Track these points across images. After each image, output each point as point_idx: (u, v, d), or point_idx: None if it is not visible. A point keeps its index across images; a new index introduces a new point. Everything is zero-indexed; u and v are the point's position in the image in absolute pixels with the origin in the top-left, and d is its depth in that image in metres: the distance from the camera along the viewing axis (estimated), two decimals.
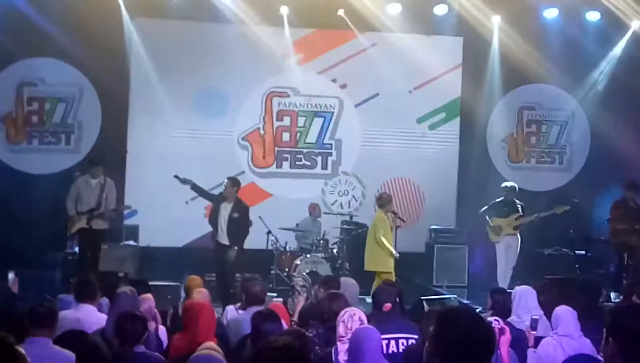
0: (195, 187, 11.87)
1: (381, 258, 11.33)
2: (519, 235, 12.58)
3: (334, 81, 14.96)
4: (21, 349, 3.13)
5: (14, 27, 13.35)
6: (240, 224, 11.43)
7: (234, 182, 11.67)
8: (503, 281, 12.22)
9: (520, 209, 12.54)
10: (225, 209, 11.48)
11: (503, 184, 12.85)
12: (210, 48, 14.42)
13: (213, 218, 11.62)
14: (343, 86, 14.99)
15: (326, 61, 14.91)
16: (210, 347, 5.23)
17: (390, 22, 14.52)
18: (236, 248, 11.40)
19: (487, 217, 12.61)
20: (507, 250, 12.53)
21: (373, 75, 14.83)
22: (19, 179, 13.68)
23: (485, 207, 12.70)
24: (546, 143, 15.73)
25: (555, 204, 12.59)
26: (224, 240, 11.45)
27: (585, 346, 6.30)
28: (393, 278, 11.06)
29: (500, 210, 12.57)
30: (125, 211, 13.09)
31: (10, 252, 11.52)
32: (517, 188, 12.82)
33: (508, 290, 8.47)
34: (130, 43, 14.19)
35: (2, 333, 3.18)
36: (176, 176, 11.82)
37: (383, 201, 11.62)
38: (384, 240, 11.28)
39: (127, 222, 13.79)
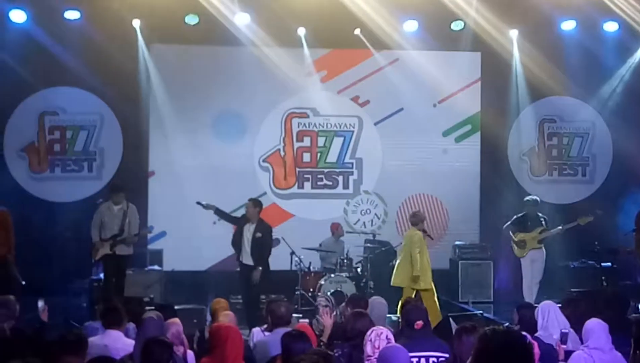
0: (218, 211, 11.96)
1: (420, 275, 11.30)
2: (543, 248, 12.52)
3: (357, 97, 14.97)
4: None
5: (33, 58, 13.51)
6: (263, 244, 11.53)
7: (255, 203, 11.79)
8: (529, 296, 12.16)
9: (543, 222, 12.49)
10: (249, 230, 11.59)
11: (525, 199, 12.82)
12: (228, 71, 14.49)
13: (236, 240, 11.72)
14: (365, 103, 14.99)
15: (345, 80, 14.94)
16: None
17: (407, 40, 14.55)
18: (260, 268, 11.42)
19: (510, 232, 12.56)
20: (532, 264, 12.46)
21: (395, 91, 14.84)
22: (43, 207, 13.79)
23: (509, 222, 12.66)
24: (568, 155, 15.64)
25: (579, 216, 12.51)
26: (248, 260, 11.55)
27: (617, 359, 6.24)
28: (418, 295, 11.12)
29: (524, 224, 12.52)
30: (150, 235, 13.14)
31: (36, 280, 11.53)
32: (539, 202, 12.79)
33: (535, 305, 8.40)
34: (148, 69, 14.30)
35: (30, 359, 3.19)
36: (199, 203, 11.90)
37: (417, 219, 11.64)
38: (418, 258, 11.30)
39: (151, 247, 13.84)
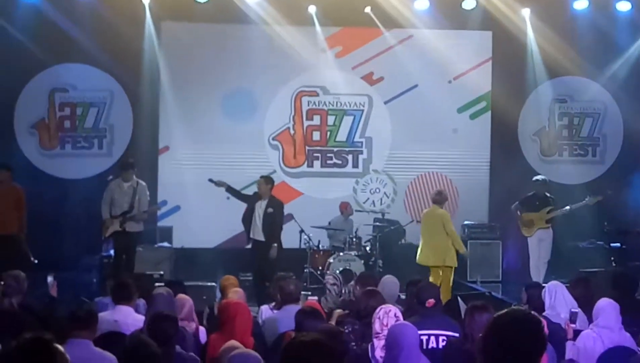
0: (230, 189, 11.98)
1: (449, 252, 11.32)
2: (551, 228, 12.49)
3: (371, 73, 14.89)
4: (60, 347, 3.16)
5: (44, 35, 13.50)
6: (275, 220, 11.56)
7: (267, 180, 11.82)
8: (537, 275, 12.16)
9: (551, 202, 12.46)
10: (260, 206, 11.61)
11: (534, 178, 12.80)
12: (238, 50, 14.47)
13: (247, 217, 11.73)
14: (380, 79, 14.91)
15: (359, 57, 14.85)
16: (236, 344, 5.23)
17: (418, 18, 14.48)
18: (275, 245, 11.47)
19: (518, 212, 12.55)
20: (539, 244, 12.43)
21: (408, 68, 14.74)
22: (53, 184, 13.82)
23: (517, 202, 12.64)
24: (579, 135, 15.58)
25: (588, 196, 12.48)
26: (259, 236, 11.56)
27: (625, 339, 6.25)
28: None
29: (532, 204, 12.48)
30: (164, 210, 13.17)
31: (47, 256, 11.63)
32: (548, 181, 12.76)
33: (543, 285, 8.41)
34: (159, 47, 14.28)
35: (39, 332, 3.21)
36: (210, 180, 11.93)
37: (442, 198, 11.60)
38: (454, 233, 11.46)
39: (160, 224, 13.88)
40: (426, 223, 11.58)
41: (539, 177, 12.83)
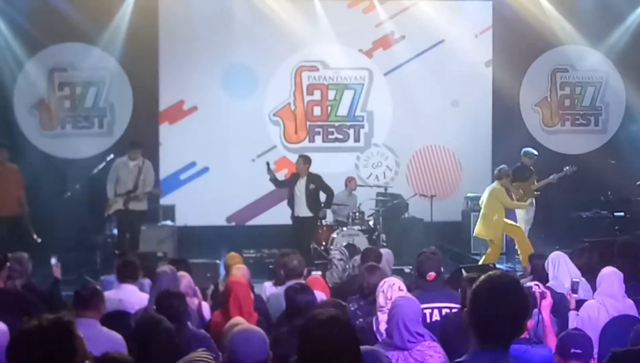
0: (274, 179, 12.37)
1: (498, 226, 11.55)
2: (532, 199, 12.70)
3: (392, 33, 14.81)
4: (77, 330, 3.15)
5: (42, 14, 13.43)
6: (318, 194, 12.29)
7: (305, 159, 12.38)
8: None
9: (534, 173, 12.64)
10: (300, 184, 12.18)
11: (526, 150, 12.85)
12: (237, 25, 14.39)
13: (290, 198, 12.33)
14: (402, 38, 14.82)
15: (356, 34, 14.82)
16: (240, 321, 5.24)
17: None
18: (328, 210, 12.46)
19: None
20: (527, 211, 12.64)
21: (433, 24, 14.72)
22: (54, 164, 13.80)
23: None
24: (581, 105, 15.54)
25: (567, 166, 12.55)
26: (305, 213, 12.17)
27: (629, 307, 6.25)
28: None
29: (522, 175, 12.64)
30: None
31: (49, 237, 11.66)
32: (536, 154, 12.86)
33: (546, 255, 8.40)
34: (157, 24, 14.21)
35: (59, 315, 3.20)
36: (267, 163, 12.37)
37: (503, 174, 11.73)
38: (514, 202, 11.82)
39: (163, 202, 13.87)
40: (488, 198, 11.70)
41: (530, 149, 12.92)
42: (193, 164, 14.40)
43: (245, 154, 14.29)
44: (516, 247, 11.92)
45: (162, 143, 14.35)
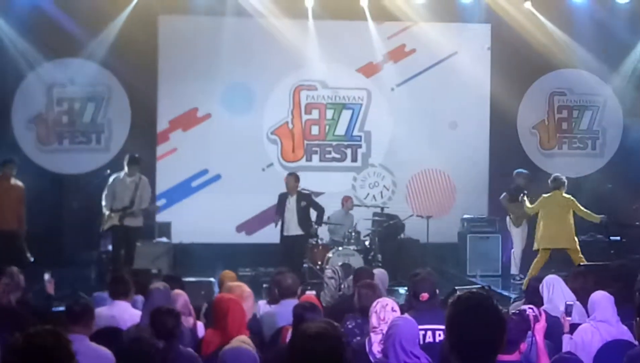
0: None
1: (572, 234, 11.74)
2: (525, 221, 12.84)
3: (404, 45, 14.90)
4: (69, 341, 3.14)
5: (42, 29, 13.50)
6: (309, 212, 12.32)
7: (296, 177, 12.49)
8: (515, 267, 12.86)
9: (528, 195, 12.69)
10: (290, 203, 12.20)
11: (519, 171, 12.91)
12: (236, 43, 14.41)
13: (280, 217, 12.30)
14: (412, 51, 14.89)
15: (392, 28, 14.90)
16: (242, 340, 5.23)
17: (416, 11, 14.46)
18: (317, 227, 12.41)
19: (507, 203, 12.96)
20: (522, 234, 12.88)
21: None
22: (51, 179, 13.80)
23: (504, 193, 13.01)
24: (578, 128, 15.57)
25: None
26: (295, 231, 12.18)
27: (623, 332, 6.22)
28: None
29: (515, 196, 12.71)
30: (155, 212, 13.12)
31: (44, 252, 11.63)
32: (529, 174, 13.02)
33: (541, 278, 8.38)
34: (156, 41, 14.25)
35: (49, 327, 3.20)
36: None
37: (559, 183, 11.77)
38: (587, 211, 11.80)
39: (159, 219, 13.85)
40: (553, 207, 11.72)
41: (523, 171, 13.04)
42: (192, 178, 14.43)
43: (243, 172, 14.32)
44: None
45: (178, 148, 14.44)
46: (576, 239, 11.75)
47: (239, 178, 14.41)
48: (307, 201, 12.34)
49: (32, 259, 11.39)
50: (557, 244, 11.76)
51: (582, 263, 10.92)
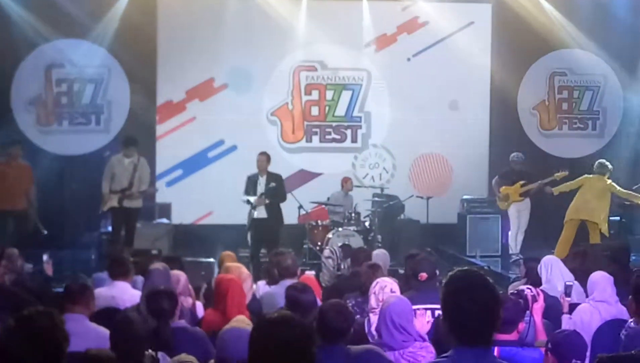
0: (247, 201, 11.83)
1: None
2: (528, 200, 12.75)
3: (390, 33, 14.81)
4: (61, 320, 3.14)
5: (40, 9, 13.43)
6: (279, 191, 11.63)
7: (268, 156, 11.82)
8: (514, 246, 12.78)
9: (525, 177, 12.76)
10: (260, 184, 11.62)
11: (514, 155, 12.90)
12: (236, 24, 14.34)
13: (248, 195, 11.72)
14: (425, 23, 14.81)
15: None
16: (241, 320, 5.24)
17: None
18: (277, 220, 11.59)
19: (497, 186, 12.97)
20: (519, 215, 12.85)
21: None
22: (51, 161, 13.77)
23: (497, 176, 13.03)
24: (578, 109, 15.52)
25: (556, 170, 12.57)
26: (261, 214, 11.54)
27: (622, 312, 6.24)
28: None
29: (509, 179, 12.79)
30: (154, 194, 13.09)
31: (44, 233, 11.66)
32: (524, 158, 12.95)
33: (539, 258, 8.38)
34: (156, 23, 14.20)
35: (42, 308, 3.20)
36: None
37: (605, 169, 11.90)
38: (629, 191, 12.06)
39: (159, 201, 13.85)
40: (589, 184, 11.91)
41: (518, 154, 12.99)
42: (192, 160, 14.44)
43: (244, 154, 14.29)
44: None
45: (196, 117, 14.43)
46: (606, 221, 11.81)
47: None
48: (277, 182, 11.67)
49: (45, 232, 11.46)
50: (586, 215, 11.84)
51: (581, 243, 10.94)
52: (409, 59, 14.86)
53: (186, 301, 6.69)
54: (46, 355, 2.98)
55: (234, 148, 14.45)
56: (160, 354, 4.78)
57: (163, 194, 13.85)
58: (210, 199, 14.19)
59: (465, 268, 3.14)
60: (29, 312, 3.08)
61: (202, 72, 14.38)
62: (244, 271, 7.16)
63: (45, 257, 7.70)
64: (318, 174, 14.61)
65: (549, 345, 4.53)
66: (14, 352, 2.99)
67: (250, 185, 11.73)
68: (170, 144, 14.39)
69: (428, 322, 6.07)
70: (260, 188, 11.60)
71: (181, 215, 13.88)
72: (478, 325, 3.00)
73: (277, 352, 3.06)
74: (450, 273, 3.11)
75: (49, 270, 7.68)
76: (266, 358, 3.09)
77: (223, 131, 14.48)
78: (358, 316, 6.02)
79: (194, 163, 14.40)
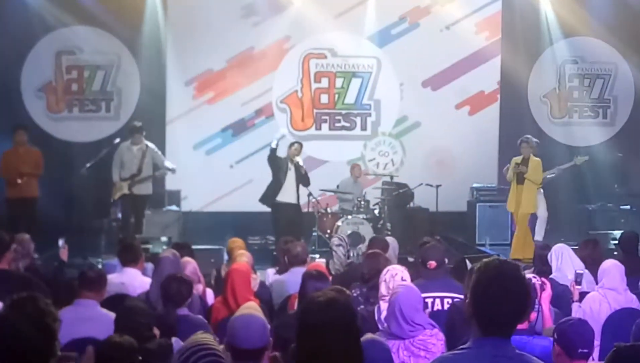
0: (274, 151, 12.10)
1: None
2: (541, 188, 12.44)
3: (401, 19, 14.79)
4: (50, 307, 3.14)
5: None
6: (307, 178, 12.07)
7: (301, 146, 12.18)
8: (539, 235, 12.35)
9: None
10: (291, 169, 11.89)
11: (525, 138, 12.68)
12: (245, 11, 14.35)
13: (277, 181, 11.93)
14: (434, 10, 14.76)
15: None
16: (251, 306, 5.25)
17: None
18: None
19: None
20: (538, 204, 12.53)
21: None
22: (61, 148, 13.82)
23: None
24: (589, 97, 15.44)
25: (576, 156, 12.44)
26: (291, 199, 11.90)
27: (632, 300, 6.23)
28: None
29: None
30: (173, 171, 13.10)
31: (55, 220, 11.70)
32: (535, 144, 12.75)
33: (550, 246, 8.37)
34: (165, 9, 14.19)
35: (27, 294, 3.21)
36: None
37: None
38: None
39: (169, 188, 13.87)
40: None
41: (531, 138, 12.70)
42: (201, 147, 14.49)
43: (253, 141, 14.32)
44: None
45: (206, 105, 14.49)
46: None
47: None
48: (303, 171, 12.07)
49: None
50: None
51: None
52: (418, 47, 14.80)
53: (196, 288, 6.71)
54: (37, 340, 2.99)
55: (244, 135, 14.45)
56: (174, 339, 4.81)
57: (172, 181, 13.87)
58: (220, 186, 14.20)
59: (499, 259, 3.14)
60: (11, 300, 3.09)
61: (211, 60, 14.36)
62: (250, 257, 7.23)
63: (61, 242, 7.71)
64: (326, 162, 14.58)
65: (555, 336, 4.52)
66: (3, 341, 3.00)
67: (283, 164, 11.95)
68: (180, 131, 14.39)
69: (437, 310, 6.07)
70: (291, 173, 11.87)
71: (190, 202, 13.90)
72: (506, 315, 2.99)
73: (327, 330, 3.16)
74: (484, 260, 3.09)
75: (64, 255, 7.70)
76: (317, 337, 3.16)
77: (232, 119, 14.46)
78: (362, 306, 6.03)
79: (204, 149, 14.41)
